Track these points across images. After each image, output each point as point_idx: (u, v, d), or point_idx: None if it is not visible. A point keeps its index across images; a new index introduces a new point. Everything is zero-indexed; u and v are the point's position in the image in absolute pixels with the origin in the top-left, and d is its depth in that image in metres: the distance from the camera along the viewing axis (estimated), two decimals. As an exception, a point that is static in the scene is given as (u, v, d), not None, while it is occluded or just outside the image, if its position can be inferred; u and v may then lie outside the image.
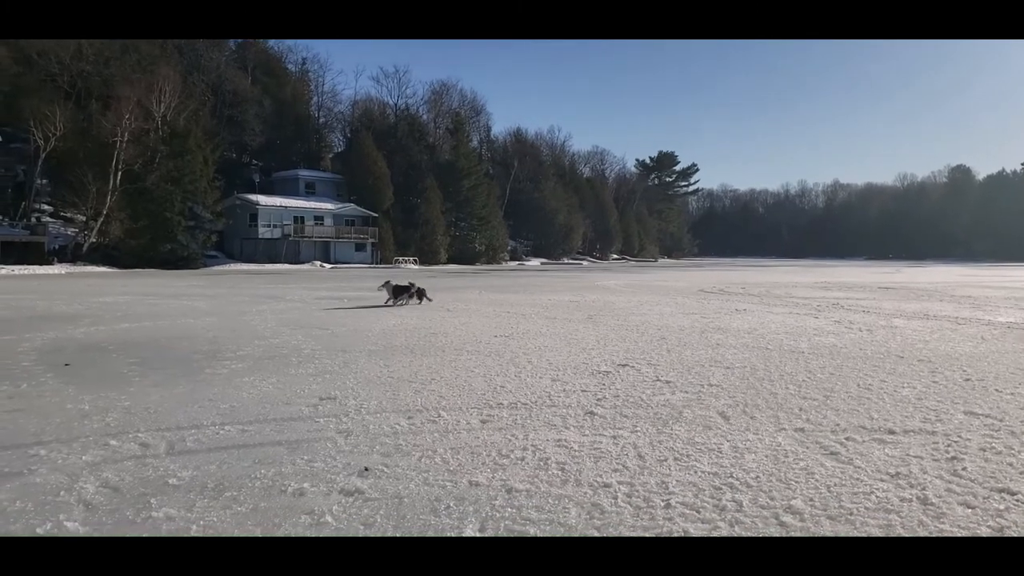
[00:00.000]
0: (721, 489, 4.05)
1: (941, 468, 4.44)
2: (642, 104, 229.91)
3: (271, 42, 71.70)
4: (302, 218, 61.20)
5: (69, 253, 45.27)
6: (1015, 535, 3.45)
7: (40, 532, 3.45)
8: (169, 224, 46.48)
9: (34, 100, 44.84)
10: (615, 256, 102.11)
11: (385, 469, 4.41)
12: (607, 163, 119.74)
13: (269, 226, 59.07)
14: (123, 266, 44.43)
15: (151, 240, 46.24)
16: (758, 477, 4.26)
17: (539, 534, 3.45)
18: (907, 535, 3.44)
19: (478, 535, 3.43)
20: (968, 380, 7.39)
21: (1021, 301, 19.35)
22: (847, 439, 5.10)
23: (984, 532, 3.49)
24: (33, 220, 47.30)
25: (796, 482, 4.17)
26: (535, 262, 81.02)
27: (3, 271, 36.99)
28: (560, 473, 4.35)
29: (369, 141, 66.05)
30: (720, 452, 4.79)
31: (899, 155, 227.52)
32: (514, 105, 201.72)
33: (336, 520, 3.61)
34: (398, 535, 3.43)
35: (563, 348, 9.81)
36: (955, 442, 5.02)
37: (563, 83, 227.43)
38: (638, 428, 5.42)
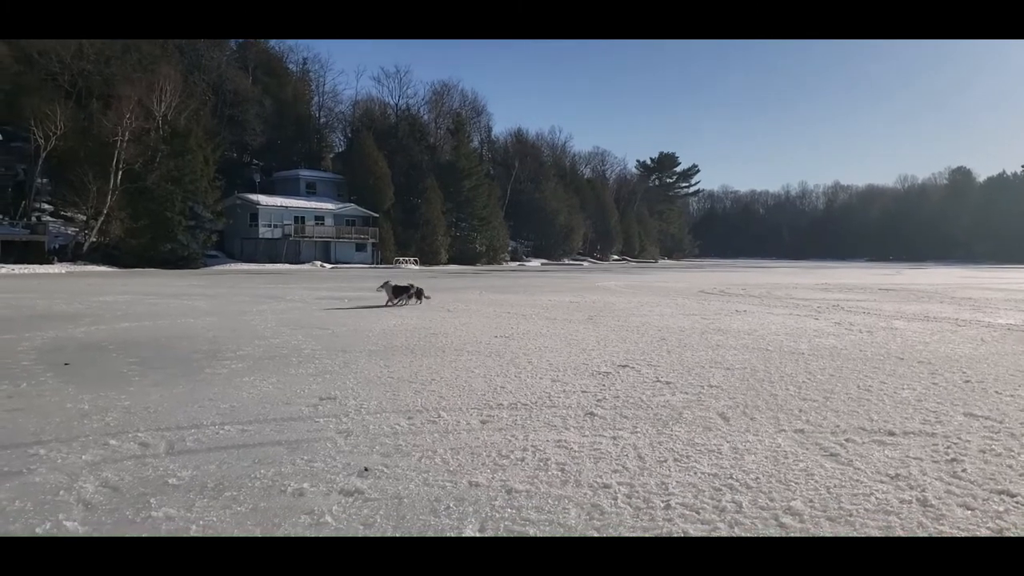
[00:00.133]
0: (721, 490, 4.05)
1: (941, 470, 4.44)
2: (643, 105, 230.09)
3: (272, 42, 71.87)
4: (303, 218, 61.21)
5: (69, 252, 45.27)
6: (1014, 535, 3.45)
7: (39, 532, 3.45)
8: (169, 224, 46.49)
9: (35, 99, 44.85)
10: (616, 257, 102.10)
11: (385, 469, 4.40)
12: (608, 164, 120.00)
13: (269, 226, 59.08)
14: (123, 265, 44.44)
15: (151, 240, 46.25)
16: (758, 478, 4.26)
17: (539, 535, 3.44)
18: (906, 535, 3.43)
19: (478, 535, 3.43)
20: (968, 382, 7.39)
21: (1021, 303, 19.34)
22: (847, 440, 5.09)
23: (983, 534, 3.49)
24: (33, 219, 47.31)
25: (796, 483, 4.17)
26: (536, 263, 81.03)
27: (3, 270, 37.00)
28: (560, 474, 4.35)
29: (370, 141, 66.07)
30: (720, 453, 4.79)
31: (900, 156, 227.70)
32: (515, 106, 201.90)
33: (336, 520, 3.61)
34: (398, 535, 3.43)
35: (563, 349, 9.81)
36: (955, 444, 5.02)
37: (564, 83, 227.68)
38: (638, 429, 5.42)
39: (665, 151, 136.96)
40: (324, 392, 6.69)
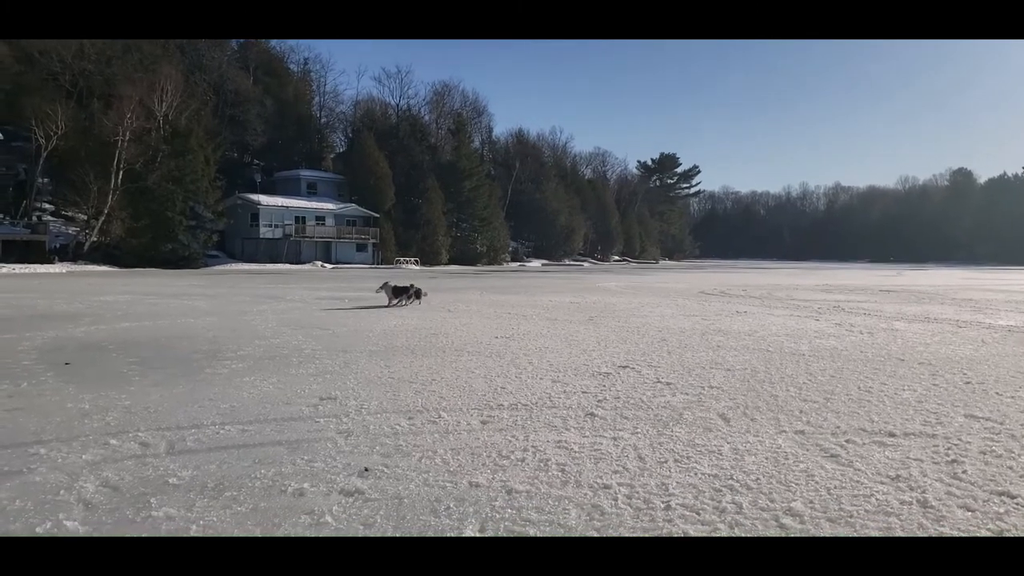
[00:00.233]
0: (721, 491, 4.05)
1: (941, 471, 4.44)
2: (643, 105, 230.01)
3: (273, 42, 71.89)
4: (303, 218, 61.22)
5: (70, 252, 45.29)
6: (1014, 535, 3.44)
7: (40, 531, 3.45)
8: (170, 224, 46.49)
9: (36, 99, 44.86)
10: (616, 258, 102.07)
11: (385, 469, 4.40)
12: (609, 164, 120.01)
13: (270, 226, 59.09)
14: (124, 265, 44.45)
15: (152, 239, 46.25)
16: (758, 479, 4.26)
17: (539, 535, 3.44)
18: (906, 535, 3.43)
19: (478, 535, 3.43)
20: (968, 383, 7.38)
21: (1022, 304, 19.33)
22: (847, 441, 5.09)
23: (984, 535, 3.49)
24: (34, 219, 47.33)
25: (796, 484, 4.17)
26: (536, 263, 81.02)
27: (4, 270, 37.02)
28: (560, 474, 4.35)
29: (371, 141, 66.07)
30: (720, 454, 4.78)
31: (900, 157, 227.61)
32: (516, 106, 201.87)
33: (336, 520, 3.61)
34: (398, 535, 3.43)
35: (564, 349, 9.80)
36: (955, 445, 5.01)
37: (564, 84, 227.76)
38: (638, 430, 5.42)
39: (666, 152, 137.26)
40: (324, 392, 6.69)
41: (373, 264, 61.45)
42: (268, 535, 3.42)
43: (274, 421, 5.59)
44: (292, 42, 74.60)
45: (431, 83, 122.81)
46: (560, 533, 3.48)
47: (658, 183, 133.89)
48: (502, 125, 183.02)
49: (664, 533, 3.48)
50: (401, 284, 17.60)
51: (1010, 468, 4.50)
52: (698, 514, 3.71)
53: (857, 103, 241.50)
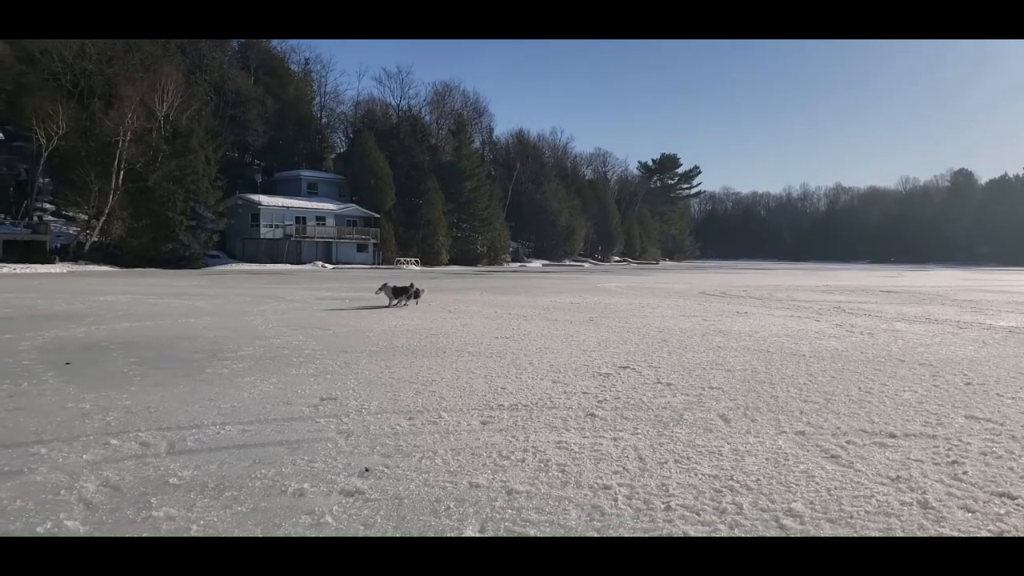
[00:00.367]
0: (722, 492, 4.05)
1: (942, 472, 4.44)
2: (644, 106, 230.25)
3: (274, 42, 71.92)
4: (304, 218, 61.24)
5: (71, 252, 45.31)
6: (1014, 536, 3.44)
7: (40, 531, 3.45)
8: (171, 224, 46.51)
9: (37, 99, 44.87)
10: (617, 258, 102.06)
11: (386, 470, 4.41)
12: (609, 165, 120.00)
13: (271, 226, 59.11)
14: (125, 265, 44.47)
15: (153, 239, 46.28)
16: (759, 480, 4.26)
17: (539, 535, 3.44)
18: (906, 535, 3.43)
19: (478, 535, 3.43)
20: (969, 384, 7.38)
21: (1022, 305, 19.32)
22: (848, 442, 5.09)
23: (984, 536, 3.48)
24: (35, 219, 47.35)
25: (796, 485, 4.17)
26: (537, 264, 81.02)
27: (5, 270, 37.04)
28: (561, 475, 4.35)
29: (371, 142, 66.09)
30: (721, 455, 4.78)
31: (901, 158, 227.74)
32: (516, 107, 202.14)
33: (336, 520, 3.61)
34: (398, 535, 3.43)
35: (564, 350, 9.80)
36: (956, 446, 5.01)
37: (565, 84, 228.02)
38: (639, 430, 5.42)
39: (667, 152, 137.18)
40: (325, 392, 6.69)
41: (374, 264, 61.45)
42: (268, 535, 3.42)
43: (274, 421, 5.59)
44: (293, 42, 74.77)
45: (432, 83, 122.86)
46: (560, 533, 3.48)
47: (659, 184, 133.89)
48: (503, 125, 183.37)
49: (664, 533, 3.48)
50: (401, 284, 17.61)
51: (1011, 469, 4.50)
52: (698, 515, 3.70)
53: (857, 103, 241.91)
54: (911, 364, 8.68)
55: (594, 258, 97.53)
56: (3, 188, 47.73)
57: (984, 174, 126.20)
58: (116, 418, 5.62)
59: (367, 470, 4.38)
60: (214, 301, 18.39)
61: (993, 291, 27.31)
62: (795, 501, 3.90)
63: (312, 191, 65.63)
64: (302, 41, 74.09)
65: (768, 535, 3.46)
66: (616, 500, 3.91)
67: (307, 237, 60.78)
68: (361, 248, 64.06)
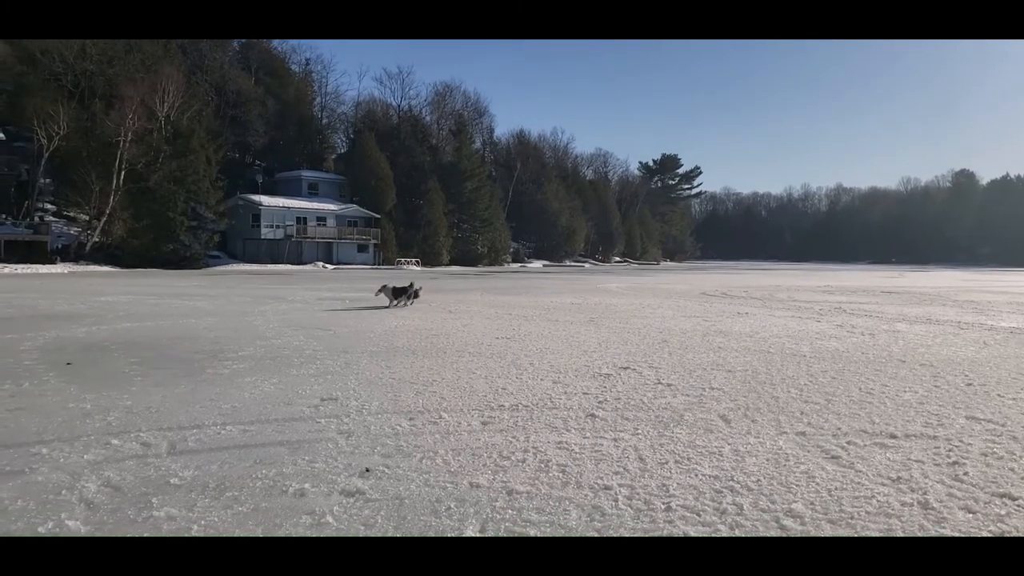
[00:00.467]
0: (722, 492, 4.05)
1: (942, 473, 4.44)
2: (645, 106, 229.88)
3: (275, 42, 71.93)
4: (305, 219, 61.25)
5: (72, 252, 45.33)
6: (1015, 536, 3.44)
7: (41, 531, 3.45)
8: (172, 224, 46.53)
9: (38, 99, 44.90)
10: (617, 259, 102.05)
11: (386, 470, 4.41)
12: (610, 165, 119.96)
13: (272, 226, 59.13)
14: (126, 266, 44.49)
15: (154, 240, 46.30)
16: (759, 480, 4.26)
17: (539, 535, 3.44)
18: (906, 536, 3.43)
19: (479, 535, 3.43)
20: (970, 385, 7.38)
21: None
22: (848, 443, 5.09)
23: (984, 536, 3.48)
24: (36, 219, 47.37)
25: (797, 486, 4.17)
26: (537, 264, 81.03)
27: (6, 270, 37.07)
28: (561, 475, 4.35)
29: (372, 142, 66.10)
30: (721, 455, 4.78)
31: (902, 159, 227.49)
32: (517, 107, 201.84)
33: (337, 521, 3.61)
34: (399, 535, 3.43)
35: (565, 350, 9.80)
36: (956, 447, 5.01)
37: (566, 84, 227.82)
38: (639, 431, 5.42)
39: (667, 152, 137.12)
40: (325, 393, 6.70)
41: (374, 265, 61.47)
42: (269, 535, 3.43)
43: (275, 421, 5.60)
44: (294, 42, 74.77)
45: (432, 84, 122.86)
46: (560, 534, 3.48)
47: (659, 184, 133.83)
48: (503, 126, 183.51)
49: (664, 534, 3.48)
50: (400, 285, 17.62)
51: (1011, 470, 4.50)
52: (699, 515, 3.70)
53: (858, 103, 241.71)
54: (912, 365, 8.68)
55: (595, 259, 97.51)
56: (4, 188, 47.77)
57: (985, 174, 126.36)
58: (117, 418, 5.63)
59: (368, 470, 4.38)
60: (215, 301, 18.40)
61: (994, 292, 27.29)
62: (796, 502, 3.90)
63: (313, 191, 65.65)
64: (303, 41, 74.22)
65: (768, 535, 3.46)
66: (616, 500, 3.91)
67: (308, 237, 60.80)
68: (362, 248, 64.08)
